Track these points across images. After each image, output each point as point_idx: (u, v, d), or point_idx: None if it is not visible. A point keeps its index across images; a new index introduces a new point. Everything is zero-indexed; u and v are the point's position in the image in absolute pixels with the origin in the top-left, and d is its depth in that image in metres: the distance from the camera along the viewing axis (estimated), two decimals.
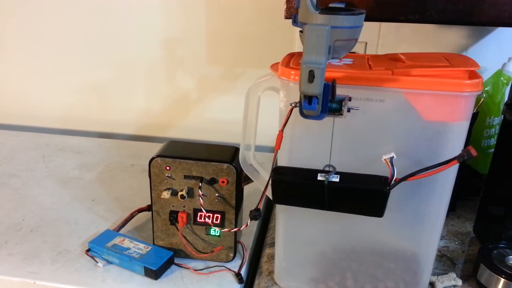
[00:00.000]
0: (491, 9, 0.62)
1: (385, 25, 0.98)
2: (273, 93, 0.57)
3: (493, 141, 0.88)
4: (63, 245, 0.71)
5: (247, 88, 1.09)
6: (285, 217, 0.59)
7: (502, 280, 0.60)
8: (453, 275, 0.65)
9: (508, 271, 0.61)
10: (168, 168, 0.62)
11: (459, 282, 0.64)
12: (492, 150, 0.88)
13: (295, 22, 0.58)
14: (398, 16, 0.67)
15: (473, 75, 0.48)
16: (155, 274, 0.63)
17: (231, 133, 1.13)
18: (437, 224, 0.55)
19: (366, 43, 0.97)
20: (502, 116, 0.69)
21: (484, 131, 0.86)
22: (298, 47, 1.01)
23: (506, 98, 0.86)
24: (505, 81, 0.85)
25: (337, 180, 0.50)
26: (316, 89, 0.41)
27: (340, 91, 0.47)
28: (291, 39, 1.02)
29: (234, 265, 0.67)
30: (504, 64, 0.87)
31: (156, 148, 0.67)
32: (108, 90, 1.16)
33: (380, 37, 0.98)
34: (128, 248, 0.66)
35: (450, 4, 0.63)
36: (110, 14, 1.07)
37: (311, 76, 0.40)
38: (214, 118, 1.14)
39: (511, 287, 0.60)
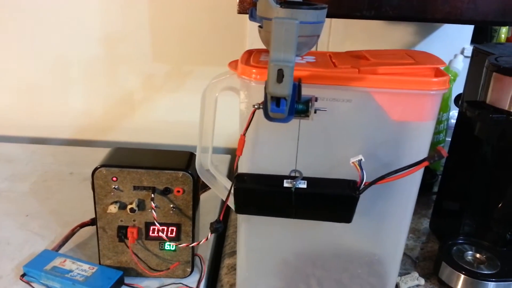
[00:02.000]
0: (444, 6, 0.62)
1: (334, 22, 0.97)
2: (226, 92, 0.53)
3: (442, 136, 0.90)
4: None
5: (195, 87, 1.04)
6: (247, 226, 0.55)
7: (463, 276, 0.61)
8: (415, 274, 0.64)
9: (468, 267, 0.61)
10: (114, 179, 0.56)
11: (422, 281, 0.63)
12: (442, 145, 0.90)
13: (252, 17, 0.53)
14: (353, 12, 0.65)
15: (439, 73, 0.47)
16: None
17: (179, 134, 1.07)
18: (403, 226, 0.54)
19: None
20: (457, 112, 0.70)
21: None
22: (249, 44, 0.97)
23: (453, 94, 0.88)
24: (452, 78, 0.87)
25: (305, 186, 0.47)
26: (285, 89, 0.37)
27: (305, 91, 0.44)
28: (242, 36, 0.98)
29: (192, 280, 0.62)
30: (450, 61, 0.89)
31: (97, 153, 0.60)
32: (40, 91, 1.05)
33: (330, 34, 0.97)
34: (71, 270, 0.59)
35: (404, 0, 0.62)
36: (42, 8, 0.97)
37: (280, 76, 0.36)
38: (160, 119, 1.08)
39: (470, 283, 0.61)
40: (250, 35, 0.97)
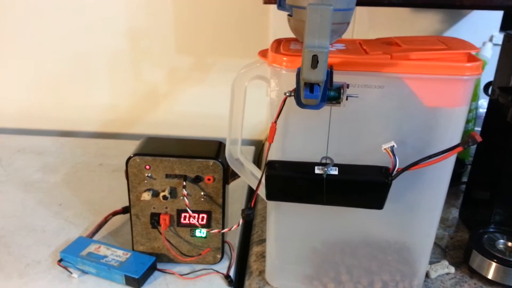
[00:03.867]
0: None
1: (359, 10, 0.96)
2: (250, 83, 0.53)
3: (471, 126, 0.88)
4: (31, 256, 0.65)
5: (219, 79, 1.05)
6: (277, 213, 0.56)
7: (494, 264, 0.60)
8: (445, 262, 0.64)
9: (500, 255, 0.61)
10: (147, 167, 0.57)
11: (452, 269, 0.63)
12: None
13: (280, 6, 0.54)
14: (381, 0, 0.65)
15: (472, 58, 0.47)
16: (137, 282, 0.58)
17: (204, 127, 1.09)
18: (435, 214, 0.54)
19: None
20: (486, 101, 0.68)
21: None
22: (272, 34, 0.97)
23: (481, 83, 0.87)
24: None
25: (336, 172, 0.47)
26: (319, 75, 0.38)
27: (337, 78, 0.44)
28: (264, 27, 0.98)
29: (222, 266, 0.63)
30: None
31: (125, 145, 0.62)
32: (67, 85, 1.08)
33: (355, 22, 0.97)
34: (105, 256, 0.61)
35: None
36: (67, 1, 0.99)
37: (315, 62, 0.37)
38: (185, 111, 1.09)
39: (502, 271, 0.60)
40: (273, 26, 0.97)
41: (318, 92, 0.39)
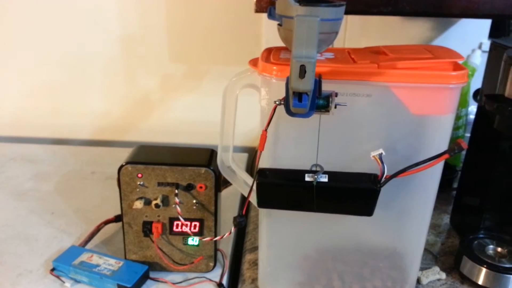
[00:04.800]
0: (460, 1, 0.62)
1: (351, 18, 0.97)
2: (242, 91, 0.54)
3: (461, 132, 0.89)
4: (23, 265, 0.64)
5: (212, 87, 1.06)
6: (269, 221, 0.56)
7: (484, 269, 0.61)
8: (436, 268, 0.64)
9: (489, 261, 0.61)
10: (139, 175, 0.57)
11: (443, 275, 0.64)
12: None
13: (271, 15, 0.54)
14: (370, 8, 0.66)
15: (457, 66, 0.48)
16: None
17: (196, 134, 1.09)
18: (425, 219, 0.54)
19: None
20: (476, 107, 0.69)
21: None
22: (265, 42, 0.98)
23: (471, 89, 0.88)
24: (470, 73, 0.87)
25: (326, 180, 0.48)
26: (307, 85, 0.38)
27: (325, 87, 0.45)
28: (257, 34, 0.99)
29: (215, 274, 0.63)
30: (468, 56, 0.89)
31: (117, 153, 0.62)
32: (60, 92, 1.07)
33: (347, 30, 0.98)
34: (98, 265, 0.60)
35: None
36: (61, 9, 0.99)
37: (303, 72, 0.37)
38: (178, 118, 1.09)
39: (492, 276, 0.61)
40: (265, 34, 0.98)
41: (307, 101, 0.40)
